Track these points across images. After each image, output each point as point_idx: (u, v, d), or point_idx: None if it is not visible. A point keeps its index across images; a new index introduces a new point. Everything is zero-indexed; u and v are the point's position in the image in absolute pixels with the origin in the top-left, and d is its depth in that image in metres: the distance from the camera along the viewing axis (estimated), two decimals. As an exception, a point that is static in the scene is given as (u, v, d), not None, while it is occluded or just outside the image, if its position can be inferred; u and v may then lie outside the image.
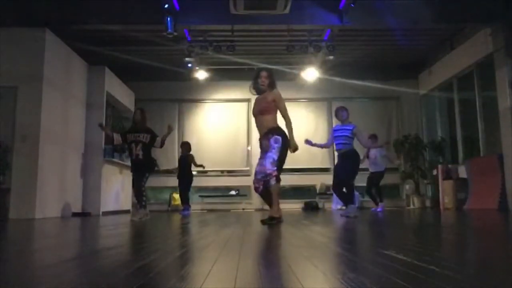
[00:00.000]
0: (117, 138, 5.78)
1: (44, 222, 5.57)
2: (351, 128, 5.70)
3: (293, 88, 11.10)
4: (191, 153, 8.30)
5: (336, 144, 5.74)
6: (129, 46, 9.30)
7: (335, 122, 6.02)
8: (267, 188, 4.08)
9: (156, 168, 6.64)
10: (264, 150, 4.14)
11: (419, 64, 11.03)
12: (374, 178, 8.26)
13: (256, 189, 4.18)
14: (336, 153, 6.25)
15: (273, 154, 4.03)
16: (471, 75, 9.00)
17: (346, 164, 5.63)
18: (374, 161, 8.22)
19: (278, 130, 4.15)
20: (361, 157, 8.00)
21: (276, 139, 4.08)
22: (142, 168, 5.64)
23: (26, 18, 7.16)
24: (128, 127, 6.58)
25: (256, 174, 4.14)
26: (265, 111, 4.19)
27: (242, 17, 7.54)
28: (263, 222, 3.95)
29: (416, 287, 1.15)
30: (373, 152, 8.17)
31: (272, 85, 4.30)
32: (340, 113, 5.82)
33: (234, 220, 5.56)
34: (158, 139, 5.76)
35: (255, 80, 4.31)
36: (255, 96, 4.43)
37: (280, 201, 4.22)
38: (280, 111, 4.24)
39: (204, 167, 8.42)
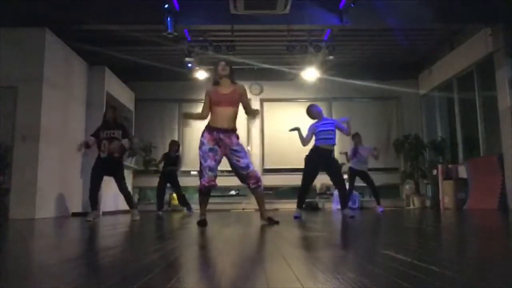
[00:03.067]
0: (89, 139, 5.69)
1: (44, 222, 5.57)
2: (333, 121, 5.58)
3: (293, 88, 11.11)
4: (178, 154, 8.31)
5: (323, 140, 5.40)
6: (129, 46, 9.30)
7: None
8: (256, 193, 4.19)
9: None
10: (226, 145, 4.05)
11: (419, 64, 11.03)
12: (364, 177, 7.91)
13: (212, 186, 4.04)
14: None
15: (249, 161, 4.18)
16: (471, 75, 9.00)
17: (332, 166, 5.46)
18: (364, 159, 7.88)
19: (237, 134, 4.23)
20: (349, 153, 7.91)
21: (242, 146, 4.19)
22: (115, 167, 5.52)
23: (26, 18, 7.16)
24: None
25: (212, 170, 4.00)
26: (235, 104, 4.15)
27: (242, 17, 7.54)
28: (273, 223, 4.06)
29: (416, 287, 1.15)
30: (364, 151, 7.87)
31: (233, 76, 4.26)
32: (315, 109, 5.58)
33: (234, 220, 5.56)
34: (127, 140, 5.61)
35: (215, 71, 4.27)
36: (227, 88, 4.17)
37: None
38: (247, 105, 4.32)
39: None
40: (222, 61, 4.31)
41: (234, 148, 4.08)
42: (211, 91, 4.19)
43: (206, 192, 4.13)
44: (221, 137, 4.05)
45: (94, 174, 5.58)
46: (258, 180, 4.12)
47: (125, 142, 5.61)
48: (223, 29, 8.38)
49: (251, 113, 4.54)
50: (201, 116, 4.26)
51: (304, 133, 5.59)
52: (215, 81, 4.27)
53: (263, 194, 4.28)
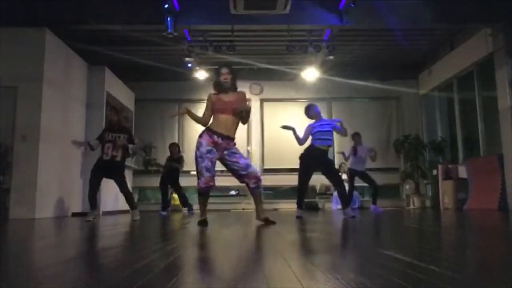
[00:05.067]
0: (94, 143, 5.62)
1: (44, 222, 5.57)
2: (330, 122, 5.59)
3: (293, 88, 11.11)
4: (181, 154, 8.32)
5: (319, 140, 5.38)
6: (129, 46, 9.29)
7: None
8: (254, 193, 4.20)
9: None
10: (223, 148, 4.07)
11: (419, 64, 11.03)
12: (364, 177, 7.90)
13: (211, 187, 4.08)
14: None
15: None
16: (471, 75, 9.00)
17: (327, 167, 5.51)
18: (363, 159, 7.88)
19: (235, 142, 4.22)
20: (347, 154, 7.96)
21: (237, 149, 4.20)
22: (115, 171, 5.52)
23: (26, 18, 7.16)
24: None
25: (209, 171, 4.02)
26: (237, 113, 4.08)
27: (242, 17, 7.53)
28: (269, 223, 4.07)
29: (416, 287, 1.15)
30: (363, 151, 7.86)
31: (235, 84, 4.23)
32: (313, 109, 5.57)
33: (234, 220, 5.56)
34: (135, 146, 5.66)
35: (218, 77, 4.19)
36: (230, 95, 4.14)
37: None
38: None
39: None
40: (224, 68, 4.19)
41: (232, 150, 4.10)
42: (214, 98, 4.15)
43: (205, 193, 4.16)
44: (220, 142, 4.06)
45: (93, 176, 5.58)
46: (258, 179, 4.14)
47: (130, 147, 5.65)
48: (223, 29, 8.38)
49: (245, 119, 4.21)
50: (203, 122, 4.20)
51: (300, 134, 5.55)
52: (217, 86, 4.20)
53: (261, 194, 4.31)
